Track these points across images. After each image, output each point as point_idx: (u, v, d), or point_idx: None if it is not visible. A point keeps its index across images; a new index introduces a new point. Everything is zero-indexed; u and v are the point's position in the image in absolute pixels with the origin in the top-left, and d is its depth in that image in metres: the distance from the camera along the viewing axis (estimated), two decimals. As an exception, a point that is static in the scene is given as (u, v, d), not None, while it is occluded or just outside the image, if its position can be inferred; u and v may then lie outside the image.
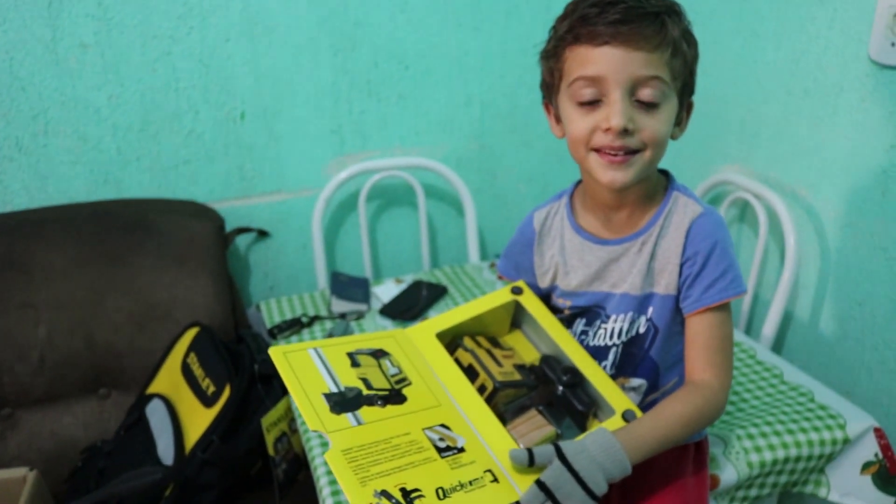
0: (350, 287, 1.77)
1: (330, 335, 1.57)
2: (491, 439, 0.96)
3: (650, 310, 1.06)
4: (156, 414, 1.48)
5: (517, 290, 1.14)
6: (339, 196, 1.93)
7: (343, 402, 0.93)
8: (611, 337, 1.08)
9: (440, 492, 0.85)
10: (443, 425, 0.95)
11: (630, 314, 1.06)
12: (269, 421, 1.38)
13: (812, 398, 1.37)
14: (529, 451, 0.90)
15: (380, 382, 0.98)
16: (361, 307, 1.70)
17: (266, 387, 1.43)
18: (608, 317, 1.08)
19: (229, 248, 1.77)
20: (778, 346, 1.68)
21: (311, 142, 1.86)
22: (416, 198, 1.94)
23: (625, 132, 0.94)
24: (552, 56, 1.01)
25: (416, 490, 0.84)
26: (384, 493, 0.82)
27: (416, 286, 1.78)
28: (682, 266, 1.02)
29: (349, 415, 0.92)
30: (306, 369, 0.96)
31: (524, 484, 0.89)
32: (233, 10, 1.69)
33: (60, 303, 1.55)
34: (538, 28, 1.94)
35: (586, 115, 0.97)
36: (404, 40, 1.85)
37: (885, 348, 1.46)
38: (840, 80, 1.46)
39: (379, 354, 1.03)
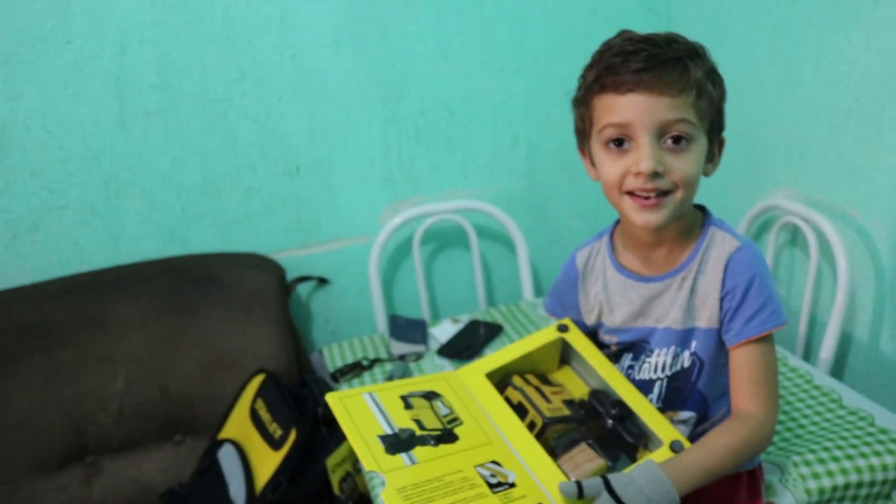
0: (408, 329, 1.82)
1: (390, 377, 1.62)
2: (541, 474, 0.98)
3: (693, 343, 1.07)
4: (227, 458, 1.55)
5: (563, 328, 1.17)
6: (393, 241, 1.99)
7: (397, 443, 0.97)
8: (654, 371, 1.10)
9: None
10: (494, 462, 0.98)
11: (673, 348, 1.08)
12: (334, 462, 1.44)
13: (872, 422, 1.35)
14: (578, 483, 0.93)
15: (432, 423, 1.02)
16: (420, 348, 1.75)
17: (330, 429, 1.48)
18: (651, 351, 1.10)
19: (291, 296, 1.84)
20: (839, 370, 1.65)
21: (365, 190, 1.93)
22: (469, 239, 1.99)
23: (655, 175, 0.97)
24: (582, 104, 1.05)
25: None
26: None
27: (473, 326, 1.82)
28: (722, 300, 1.04)
29: (403, 455, 0.96)
30: (362, 413, 1.00)
31: None
32: (284, 71, 1.79)
33: (136, 355, 1.65)
34: (580, 66, 1.97)
35: (617, 159, 1.00)
36: (449, 87, 1.92)
37: (948, 367, 1.43)
38: (881, 100, 1.46)
39: (431, 396, 1.08)
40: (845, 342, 1.64)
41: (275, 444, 1.49)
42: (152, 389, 1.65)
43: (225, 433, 1.63)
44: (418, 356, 1.74)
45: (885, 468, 1.25)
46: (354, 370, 1.69)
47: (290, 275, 1.89)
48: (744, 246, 1.04)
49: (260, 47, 1.76)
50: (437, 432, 1.01)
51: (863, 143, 1.51)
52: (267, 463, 1.48)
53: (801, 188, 1.69)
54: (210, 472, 1.57)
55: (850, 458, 1.26)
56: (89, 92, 1.67)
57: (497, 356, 1.15)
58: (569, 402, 1.13)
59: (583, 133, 1.08)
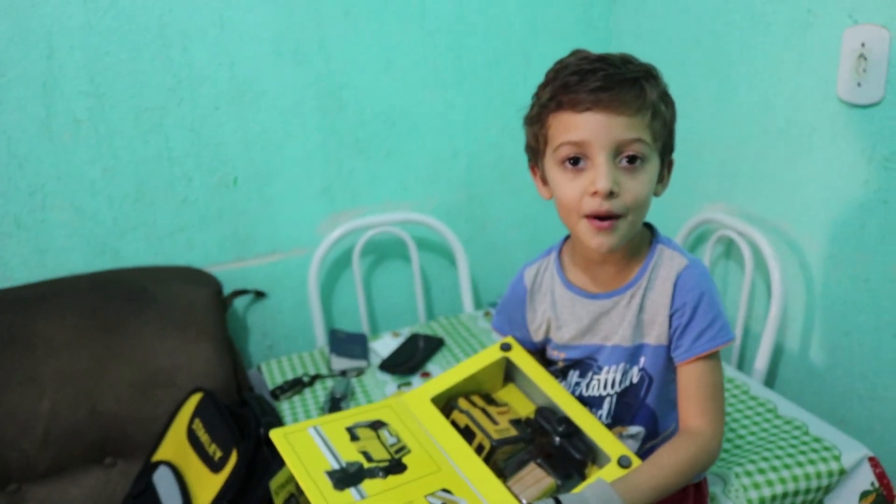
0: (348, 344, 1.79)
1: (332, 394, 1.59)
2: (492, 498, 0.97)
3: (642, 360, 1.09)
4: (163, 481, 1.49)
5: (506, 347, 1.17)
6: (332, 254, 1.96)
7: (345, 478, 0.95)
8: (604, 387, 1.11)
9: None
10: (444, 490, 0.97)
11: (622, 365, 1.09)
12: (278, 483, 1.39)
13: (806, 431, 1.39)
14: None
15: (380, 454, 1.01)
16: (361, 363, 1.72)
17: (272, 449, 1.44)
18: (600, 368, 1.11)
19: (228, 311, 1.79)
20: (770, 380, 1.71)
21: (303, 202, 1.90)
22: (409, 251, 1.98)
23: (610, 194, 0.97)
24: (536, 122, 1.05)
25: None
26: None
27: (414, 339, 1.81)
28: (671, 317, 1.06)
29: (352, 489, 0.94)
30: (307, 449, 0.98)
31: None
32: (221, 80, 1.74)
33: (63, 375, 1.57)
34: (519, 79, 2.01)
35: (573, 179, 1.00)
36: (389, 99, 1.90)
37: (874, 376, 1.50)
38: (812, 120, 1.51)
39: (377, 426, 1.06)
40: (777, 353, 1.69)
41: (214, 467, 1.44)
42: (80, 411, 1.58)
43: (160, 455, 1.56)
44: (360, 371, 1.71)
45: (819, 476, 1.30)
46: (295, 387, 1.65)
47: (227, 289, 1.83)
48: (691, 264, 1.06)
49: (197, 55, 1.71)
50: (386, 463, 1.00)
51: (795, 161, 1.57)
52: (206, 486, 1.43)
53: (734, 203, 1.74)
54: (145, 496, 1.50)
55: (787, 466, 1.30)
56: (13, 97, 1.59)
57: (442, 379, 1.14)
58: (515, 422, 1.12)
59: (536, 151, 1.08)
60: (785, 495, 1.28)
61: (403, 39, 1.87)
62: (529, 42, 1.99)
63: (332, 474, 0.95)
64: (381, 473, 0.97)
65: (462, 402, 1.13)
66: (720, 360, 1.07)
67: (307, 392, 1.65)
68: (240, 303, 1.90)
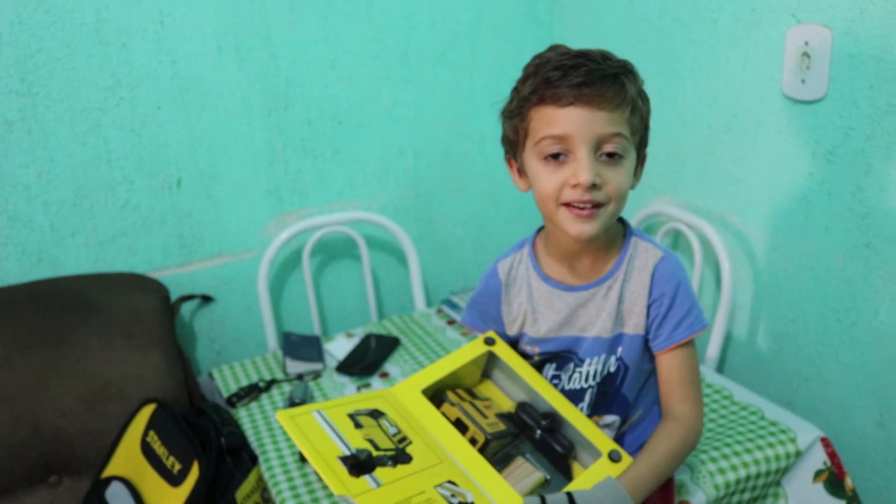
0: (302, 346, 1.76)
1: (290, 399, 1.55)
2: (494, 492, 0.98)
3: (620, 349, 1.11)
4: (118, 498, 1.43)
5: (490, 341, 1.17)
6: (281, 255, 1.92)
7: (358, 464, 0.93)
8: (586, 380, 1.13)
9: None
10: (450, 482, 0.97)
11: (603, 356, 1.11)
12: (243, 494, 1.36)
13: (762, 416, 1.45)
14: (542, 497, 0.93)
15: (385, 443, 1.00)
16: (317, 366, 1.69)
17: (235, 459, 1.41)
18: (582, 360, 1.12)
19: (176, 317, 1.73)
20: (720, 366, 1.76)
21: (250, 203, 1.85)
22: (359, 250, 1.95)
23: (593, 186, 0.99)
24: (516, 115, 1.05)
25: None
26: None
27: (368, 340, 1.78)
28: (649, 307, 1.08)
29: (368, 477, 0.92)
30: (316, 433, 0.96)
31: None
32: (162, 79, 1.67)
33: (2, 393, 1.49)
34: (465, 75, 2.00)
35: (554, 171, 1.01)
36: (336, 96, 1.87)
37: (819, 360, 1.56)
38: (758, 115, 1.56)
39: (376, 415, 1.05)
40: (726, 340, 1.74)
41: (174, 480, 1.39)
42: (21, 429, 1.50)
43: (111, 470, 1.50)
44: (316, 374, 1.68)
45: (777, 458, 1.36)
46: (251, 393, 1.61)
47: (173, 294, 1.77)
48: (666, 256, 1.09)
49: (136, 52, 1.63)
50: (392, 452, 0.98)
51: (741, 155, 1.62)
52: (166, 500, 1.38)
53: (681, 196, 1.78)
54: (97, 514, 1.44)
55: (748, 451, 1.35)
56: (-63, 98, 1.49)
57: (429, 372, 1.13)
58: (501, 416, 1.13)
59: (514, 144, 1.08)
60: (748, 478, 1.33)
61: (350, 35, 1.84)
62: (475, 37, 1.99)
63: (345, 460, 0.93)
64: (389, 462, 0.96)
65: (451, 396, 1.13)
66: (695, 347, 1.11)
67: (264, 398, 1.61)
68: (186, 308, 1.84)
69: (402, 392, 1.10)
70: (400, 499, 0.90)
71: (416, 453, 0.99)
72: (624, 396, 1.14)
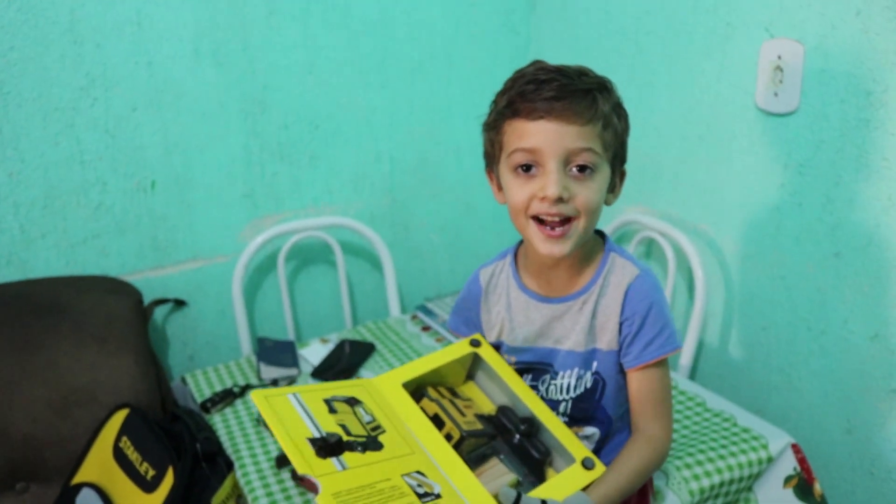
0: (277, 352, 1.74)
1: (266, 404, 1.54)
2: (463, 487, 0.98)
3: (595, 364, 1.12)
4: (89, 505, 1.40)
5: (476, 343, 1.18)
6: (256, 260, 1.91)
7: (326, 447, 0.94)
8: (560, 392, 1.14)
9: None
10: (419, 472, 0.97)
11: (577, 370, 1.12)
12: (219, 500, 1.34)
13: (735, 423, 1.47)
14: (519, 494, 0.94)
15: (357, 429, 1.00)
16: (292, 372, 1.68)
17: (210, 465, 1.39)
18: (557, 373, 1.13)
19: (149, 322, 1.71)
20: (692, 374, 1.79)
21: (225, 207, 1.83)
22: (335, 256, 1.95)
23: (559, 200, 1.00)
24: (493, 128, 1.07)
25: None
26: None
27: (342, 346, 1.78)
28: (621, 325, 1.09)
29: (334, 459, 0.93)
30: (288, 414, 0.97)
31: None
32: (138, 80, 1.66)
33: (-31, 398, 1.45)
34: (442, 83, 2.01)
35: (524, 184, 1.02)
36: (313, 101, 1.86)
37: (789, 369, 1.59)
38: (731, 127, 1.59)
39: (352, 402, 1.05)
40: (698, 348, 1.77)
41: (147, 486, 1.37)
42: (-12, 435, 1.47)
43: (81, 477, 1.47)
44: (291, 380, 1.67)
45: (750, 464, 1.38)
46: (226, 399, 1.59)
47: (145, 298, 1.74)
48: (642, 274, 1.10)
49: (111, 52, 1.61)
50: (363, 439, 0.99)
51: (714, 166, 1.65)
52: (139, 507, 1.36)
53: (656, 205, 1.81)
54: (67, 521, 1.41)
55: (722, 457, 1.37)
56: None
57: (412, 366, 1.14)
58: (480, 417, 1.13)
59: (492, 156, 1.10)
60: (721, 484, 1.35)
61: (327, 42, 1.84)
62: (452, 45, 2.00)
63: (313, 441, 0.94)
64: (359, 448, 0.97)
65: (432, 392, 1.13)
66: (668, 366, 1.12)
67: (239, 403, 1.59)
68: (158, 312, 1.81)
69: (383, 383, 1.10)
70: (363, 483, 0.91)
71: (387, 442, 1.00)
72: (604, 410, 1.15)
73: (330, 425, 0.98)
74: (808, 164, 1.47)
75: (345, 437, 0.97)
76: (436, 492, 0.95)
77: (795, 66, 1.44)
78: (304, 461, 0.90)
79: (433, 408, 1.10)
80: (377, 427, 1.02)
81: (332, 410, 1.01)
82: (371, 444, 0.98)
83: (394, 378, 1.12)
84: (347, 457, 0.95)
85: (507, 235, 2.18)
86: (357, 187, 1.99)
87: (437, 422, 1.08)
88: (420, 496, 0.93)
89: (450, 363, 1.16)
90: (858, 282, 1.43)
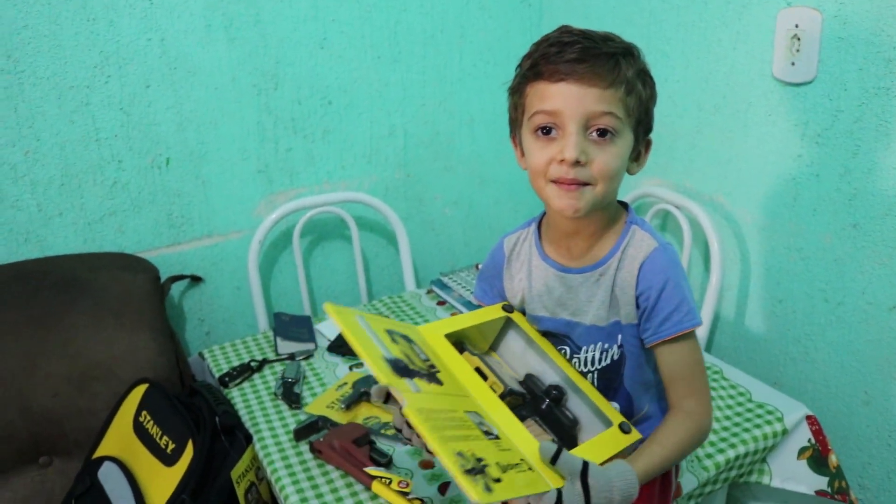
0: (293, 326, 1.75)
1: (283, 378, 1.56)
2: (512, 434, 0.98)
3: (619, 337, 1.11)
4: (110, 478, 1.42)
5: (508, 308, 1.18)
6: (271, 235, 1.91)
7: (398, 368, 0.93)
8: (584, 365, 1.13)
9: (499, 466, 0.87)
10: (476, 413, 0.97)
11: (601, 344, 1.11)
12: (238, 473, 1.36)
13: (750, 398, 1.46)
14: (560, 447, 0.93)
15: (417, 363, 0.99)
16: (309, 346, 1.69)
17: (230, 438, 1.41)
18: (579, 348, 1.13)
19: (166, 298, 1.72)
20: (708, 346, 1.78)
21: (239, 183, 1.84)
22: (349, 230, 1.95)
23: (577, 163, 0.99)
24: (516, 92, 1.06)
25: (481, 459, 0.86)
26: (460, 454, 0.84)
27: (359, 319, 1.79)
28: (637, 299, 1.08)
29: (408, 381, 0.92)
30: (361, 332, 0.95)
31: (553, 479, 0.92)
32: (151, 56, 1.66)
33: (-10, 374, 1.48)
34: (454, 55, 2.00)
35: (544, 147, 1.01)
36: (326, 76, 1.86)
37: (806, 340, 1.58)
38: (748, 97, 1.57)
39: (408, 340, 1.04)
40: (714, 320, 1.76)
41: (168, 460, 1.39)
42: (10, 410, 1.49)
43: (103, 450, 1.49)
44: (308, 354, 1.68)
45: (765, 437, 1.38)
46: (244, 373, 1.61)
47: (162, 274, 1.76)
48: (660, 248, 1.07)
49: (124, 29, 1.61)
50: (425, 372, 0.99)
51: (730, 137, 1.63)
52: (160, 480, 1.38)
53: (671, 177, 1.79)
54: (90, 494, 1.44)
55: (736, 434, 1.38)
56: (-78, 76, 1.47)
57: (451, 321, 1.13)
58: (513, 379, 1.14)
59: (515, 121, 1.09)
60: (736, 458, 1.35)
61: (340, 14, 1.83)
62: (464, 17, 1.98)
63: (388, 361, 0.93)
64: (425, 377, 0.96)
65: (471, 347, 1.13)
66: (696, 339, 1.09)
67: (257, 378, 1.61)
68: (175, 289, 1.83)
69: (427, 333, 1.09)
70: (438, 407, 0.91)
71: (445, 381, 1.00)
72: (625, 388, 1.14)
73: (396, 352, 0.97)
74: (825, 134, 1.45)
75: (410, 366, 0.96)
76: (494, 433, 0.95)
77: (813, 35, 1.42)
78: (385, 374, 0.90)
79: (475, 361, 1.10)
80: (433, 366, 1.01)
81: (394, 341, 1.01)
82: (432, 378, 0.98)
83: (437, 328, 1.11)
84: (418, 382, 0.94)
85: (522, 208, 2.17)
86: (371, 162, 1.99)
87: (480, 375, 1.08)
88: (484, 433, 0.93)
89: (480, 326, 1.16)
90: (877, 252, 1.41)
